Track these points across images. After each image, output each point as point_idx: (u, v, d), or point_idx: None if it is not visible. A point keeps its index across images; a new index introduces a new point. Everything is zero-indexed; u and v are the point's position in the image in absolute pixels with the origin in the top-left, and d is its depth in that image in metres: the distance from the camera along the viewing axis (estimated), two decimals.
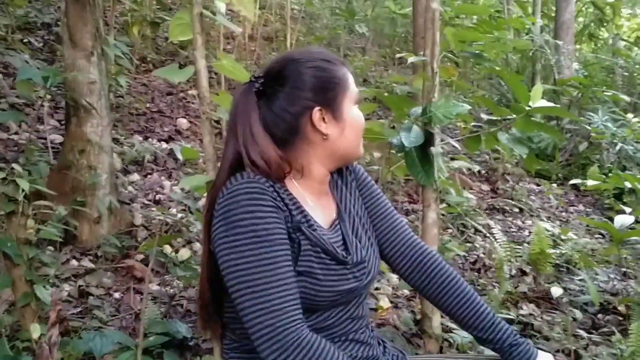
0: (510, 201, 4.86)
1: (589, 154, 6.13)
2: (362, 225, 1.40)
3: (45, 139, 3.83)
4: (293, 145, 1.29)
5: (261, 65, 7.33)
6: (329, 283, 1.24)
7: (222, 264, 1.17)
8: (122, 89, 5.10)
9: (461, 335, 2.46)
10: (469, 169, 5.20)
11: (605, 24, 9.43)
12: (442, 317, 2.64)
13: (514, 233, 4.29)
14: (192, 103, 5.67)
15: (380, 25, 8.30)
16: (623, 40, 9.93)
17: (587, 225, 4.62)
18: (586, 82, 6.25)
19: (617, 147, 5.97)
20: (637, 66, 8.21)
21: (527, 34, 7.06)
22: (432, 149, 2.44)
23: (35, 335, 2.05)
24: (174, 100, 5.58)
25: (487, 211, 4.70)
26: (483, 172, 5.69)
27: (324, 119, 1.28)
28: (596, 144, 6.17)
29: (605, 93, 6.50)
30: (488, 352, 1.44)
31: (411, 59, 2.52)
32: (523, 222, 4.49)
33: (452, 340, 2.49)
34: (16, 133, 4.12)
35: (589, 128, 5.94)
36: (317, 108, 1.27)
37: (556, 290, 2.88)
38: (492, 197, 5.04)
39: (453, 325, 2.64)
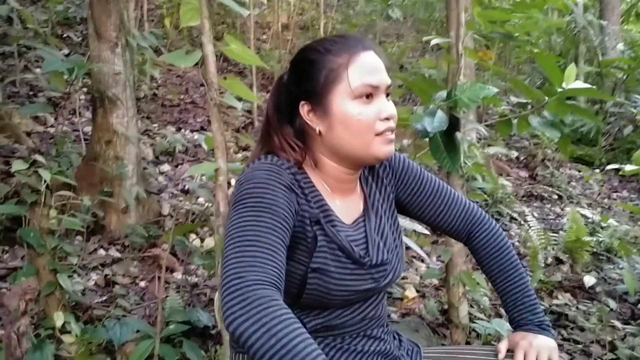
0: (548, 188, 4.70)
1: (635, 138, 5.88)
2: (389, 225, 1.34)
3: (79, 130, 3.90)
4: (305, 138, 1.26)
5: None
6: (344, 282, 1.19)
7: (226, 228, 1.11)
8: (155, 81, 5.16)
9: (484, 326, 2.39)
10: (506, 155, 5.06)
11: None
12: (470, 306, 2.58)
13: (551, 220, 4.16)
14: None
15: (416, 10, 8.16)
16: None
17: (631, 212, 4.44)
18: (632, 63, 5.99)
19: None
20: None
21: (570, 14, 6.82)
22: (458, 134, 2.37)
23: (58, 323, 2.08)
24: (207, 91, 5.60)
25: (525, 198, 4.57)
26: (522, 158, 5.53)
27: (312, 112, 1.22)
28: None
29: None
30: None
31: (434, 41, 2.44)
32: (562, 209, 4.35)
33: (479, 331, 2.42)
34: (52, 126, 4.21)
35: (634, 111, 5.70)
36: (302, 102, 1.22)
37: (589, 280, 2.77)
38: (530, 184, 4.89)
39: (480, 315, 2.57)
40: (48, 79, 4.81)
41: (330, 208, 1.23)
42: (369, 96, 1.19)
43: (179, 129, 4.70)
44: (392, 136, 1.23)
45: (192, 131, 4.68)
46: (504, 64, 7.23)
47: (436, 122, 2.28)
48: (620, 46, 6.59)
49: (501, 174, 4.76)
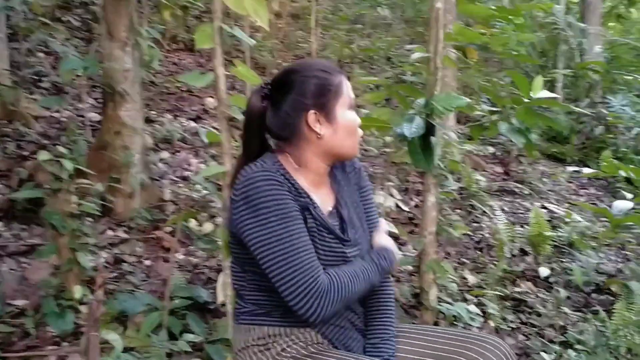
0: (519, 184, 5.03)
1: (606, 137, 6.23)
2: (357, 215, 1.66)
3: (84, 116, 4.15)
4: (295, 142, 1.55)
5: (286, 44, 7.57)
6: (326, 257, 1.49)
7: (252, 241, 1.42)
8: (153, 69, 5.39)
9: (448, 308, 2.72)
10: (483, 151, 5.38)
11: (635, 4, 9.34)
12: (439, 291, 2.90)
13: (520, 215, 4.49)
14: None
15: (404, 7, 8.41)
16: None
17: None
18: (605, 66, 6.31)
19: (634, 132, 6.07)
20: None
21: (550, 16, 7.10)
22: (433, 138, 2.67)
23: (77, 295, 2.38)
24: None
25: (498, 193, 4.90)
26: (498, 153, 5.86)
27: (319, 120, 1.51)
28: (613, 128, 6.27)
29: (625, 76, 6.56)
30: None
31: (414, 55, 2.74)
32: (531, 204, 4.68)
33: (444, 312, 2.75)
34: (57, 111, 4.45)
35: (606, 112, 6.05)
36: (312, 111, 1.50)
37: (544, 271, 3.11)
38: (503, 179, 5.22)
39: (447, 299, 2.90)
40: (52, 64, 5.06)
41: (313, 198, 1.54)
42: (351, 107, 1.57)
43: (175, 117, 4.95)
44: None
45: (188, 119, 4.94)
46: (492, 58, 7.50)
47: (414, 127, 2.58)
48: (597, 48, 6.91)
49: (477, 169, 5.08)
